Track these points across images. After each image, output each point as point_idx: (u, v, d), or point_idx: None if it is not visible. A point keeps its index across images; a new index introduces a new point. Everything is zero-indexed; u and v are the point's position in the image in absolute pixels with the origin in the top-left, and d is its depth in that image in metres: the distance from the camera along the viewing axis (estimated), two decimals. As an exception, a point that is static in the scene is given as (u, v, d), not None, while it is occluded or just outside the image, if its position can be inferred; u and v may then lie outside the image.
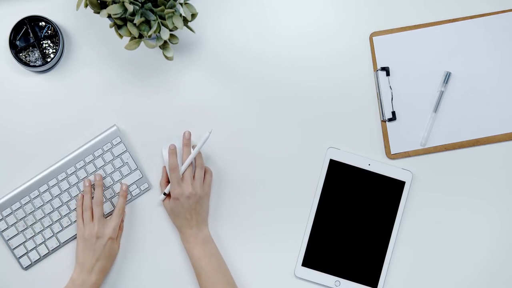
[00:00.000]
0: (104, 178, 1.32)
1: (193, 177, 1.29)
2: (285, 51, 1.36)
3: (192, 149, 1.30)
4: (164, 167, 1.32)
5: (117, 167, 1.33)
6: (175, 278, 1.33)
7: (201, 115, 1.35)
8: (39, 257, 1.32)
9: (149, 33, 1.19)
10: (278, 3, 1.36)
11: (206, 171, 1.32)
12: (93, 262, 1.27)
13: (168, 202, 1.31)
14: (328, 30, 1.36)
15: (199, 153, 1.30)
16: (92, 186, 1.31)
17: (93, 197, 1.31)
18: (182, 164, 1.29)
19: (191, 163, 1.28)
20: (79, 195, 1.32)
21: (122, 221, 1.33)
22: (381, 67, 1.35)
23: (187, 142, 1.30)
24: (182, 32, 1.35)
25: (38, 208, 1.32)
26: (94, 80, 1.35)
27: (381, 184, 1.34)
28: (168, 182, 1.32)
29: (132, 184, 1.33)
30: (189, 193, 1.27)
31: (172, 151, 1.29)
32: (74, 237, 1.33)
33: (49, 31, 1.33)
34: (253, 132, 1.35)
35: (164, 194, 1.31)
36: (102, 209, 1.29)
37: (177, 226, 1.31)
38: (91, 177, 1.32)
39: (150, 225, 1.34)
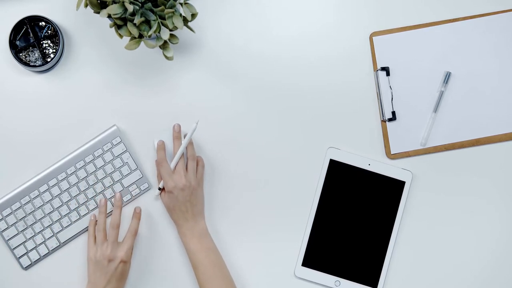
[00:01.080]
0: (104, 178, 1.32)
1: (186, 168, 1.29)
2: (285, 51, 1.36)
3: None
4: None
5: (117, 167, 1.33)
6: (175, 277, 1.33)
7: (201, 115, 1.35)
8: (39, 257, 1.32)
9: (149, 33, 1.19)
10: (278, 3, 1.36)
11: (198, 163, 1.32)
12: (104, 284, 1.25)
13: (164, 195, 1.31)
14: (328, 30, 1.36)
15: (190, 144, 1.30)
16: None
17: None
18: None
19: (183, 155, 1.29)
20: (92, 214, 1.31)
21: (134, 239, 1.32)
22: (381, 67, 1.35)
23: (177, 135, 1.30)
24: (182, 32, 1.35)
25: (38, 208, 1.32)
26: (94, 80, 1.35)
27: (381, 184, 1.34)
28: None
29: (132, 184, 1.33)
30: (183, 185, 1.27)
31: (160, 146, 1.29)
32: (74, 237, 1.33)
33: (49, 31, 1.33)
34: (253, 132, 1.35)
35: (159, 189, 1.31)
36: (117, 232, 1.27)
37: (174, 220, 1.31)
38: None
39: (150, 225, 1.34)
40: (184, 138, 1.30)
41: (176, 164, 1.28)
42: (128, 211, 1.34)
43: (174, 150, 1.30)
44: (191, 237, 1.29)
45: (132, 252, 1.31)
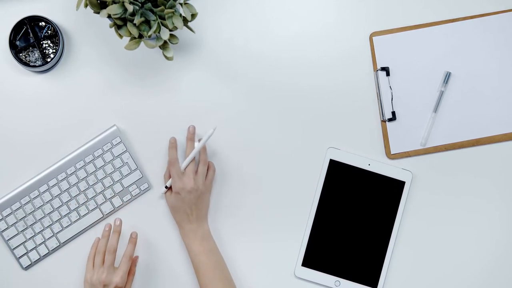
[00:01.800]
0: (104, 178, 1.32)
1: (196, 172, 1.29)
2: (285, 51, 1.36)
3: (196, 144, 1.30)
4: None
5: (117, 167, 1.33)
6: (175, 276, 1.33)
7: (201, 115, 1.35)
8: (39, 257, 1.33)
9: (149, 33, 1.19)
10: (278, 3, 1.36)
11: (209, 167, 1.32)
12: None
13: (169, 195, 1.31)
14: (328, 30, 1.36)
15: (203, 149, 1.30)
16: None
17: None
18: (185, 159, 1.29)
19: (194, 157, 1.29)
20: (96, 238, 1.31)
21: (135, 265, 1.31)
22: (381, 67, 1.35)
23: (191, 136, 1.30)
24: (182, 32, 1.35)
25: (38, 208, 1.32)
26: (94, 80, 1.35)
27: (381, 184, 1.34)
28: None
29: (132, 184, 1.33)
30: (191, 188, 1.27)
31: (172, 144, 1.29)
32: (74, 237, 1.33)
33: (49, 31, 1.33)
34: (253, 132, 1.35)
35: (166, 187, 1.31)
36: (114, 257, 1.26)
37: (177, 221, 1.31)
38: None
39: (150, 225, 1.34)
40: (199, 141, 1.30)
41: (187, 166, 1.28)
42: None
43: (186, 151, 1.30)
44: (194, 239, 1.29)
45: (134, 276, 1.31)
